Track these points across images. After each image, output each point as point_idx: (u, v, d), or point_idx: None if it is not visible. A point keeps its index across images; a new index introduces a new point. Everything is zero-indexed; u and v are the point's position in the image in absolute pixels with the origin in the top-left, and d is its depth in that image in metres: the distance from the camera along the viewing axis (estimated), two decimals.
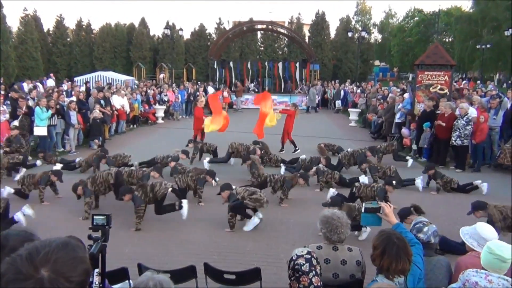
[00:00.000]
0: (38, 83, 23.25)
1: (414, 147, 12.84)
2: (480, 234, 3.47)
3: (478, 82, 27.51)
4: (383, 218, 3.33)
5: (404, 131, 13.76)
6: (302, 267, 2.69)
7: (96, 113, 13.60)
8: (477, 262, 3.07)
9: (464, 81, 26.39)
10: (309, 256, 2.75)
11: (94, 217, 2.37)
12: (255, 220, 7.05)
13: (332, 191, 8.06)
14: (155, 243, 6.55)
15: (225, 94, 23.22)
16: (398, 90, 19.26)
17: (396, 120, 14.71)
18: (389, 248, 2.73)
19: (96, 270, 2.13)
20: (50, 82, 25.18)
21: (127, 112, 17.00)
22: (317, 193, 9.08)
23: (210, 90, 23.43)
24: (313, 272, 2.69)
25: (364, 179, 8.93)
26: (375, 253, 2.78)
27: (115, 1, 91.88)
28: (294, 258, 2.76)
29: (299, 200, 8.75)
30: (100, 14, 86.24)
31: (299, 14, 39.78)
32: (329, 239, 3.43)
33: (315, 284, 2.66)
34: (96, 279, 2.13)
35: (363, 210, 3.40)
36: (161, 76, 31.30)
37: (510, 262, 2.91)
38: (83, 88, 19.90)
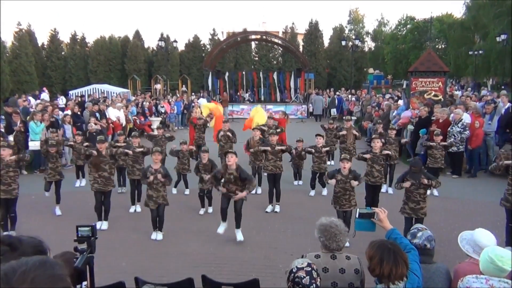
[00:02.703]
0: (30, 98, 23.11)
1: (411, 128, 12.94)
2: (476, 241, 3.43)
3: (469, 89, 27.67)
4: (377, 224, 3.30)
5: (407, 112, 13.71)
6: (303, 280, 2.66)
7: (92, 126, 13.56)
8: (476, 268, 3.04)
9: (457, 89, 26.57)
10: (310, 269, 2.73)
11: (79, 228, 2.32)
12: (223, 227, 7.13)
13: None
14: (152, 256, 6.49)
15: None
16: (388, 96, 19.38)
17: None
18: (386, 255, 2.72)
19: (84, 283, 2.09)
20: (44, 96, 25.11)
21: (123, 125, 16.96)
22: (313, 202, 9.06)
23: (202, 101, 23.34)
24: (314, 285, 2.67)
25: None
26: (373, 263, 2.75)
27: (109, 14, 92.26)
28: (294, 271, 2.73)
29: (296, 209, 8.72)
30: (94, 28, 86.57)
31: (293, 23, 40.01)
32: (327, 248, 3.40)
33: None
34: None
35: (357, 216, 3.36)
36: (157, 86, 31.30)
37: (510, 270, 2.88)
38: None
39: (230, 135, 10.89)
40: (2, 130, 12.18)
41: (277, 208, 8.65)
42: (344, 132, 10.88)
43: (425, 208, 6.64)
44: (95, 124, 13.77)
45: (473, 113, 11.61)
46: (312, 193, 9.91)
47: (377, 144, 8.09)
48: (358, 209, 3.39)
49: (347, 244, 6.66)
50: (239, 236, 7.02)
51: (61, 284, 1.30)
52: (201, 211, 8.63)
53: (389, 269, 2.68)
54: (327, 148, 10.00)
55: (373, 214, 3.29)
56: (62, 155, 12.22)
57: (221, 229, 7.09)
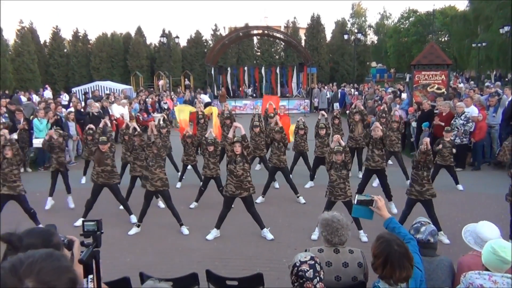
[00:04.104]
0: (33, 95, 23.19)
1: (414, 124, 12.93)
2: (478, 233, 3.43)
3: (472, 82, 27.56)
4: (375, 212, 3.27)
5: (398, 112, 13.88)
6: (306, 274, 2.67)
7: (96, 105, 13.65)
8: (479, 261, 3.03)
9: (460, 81, 26.45)
10: (313, 262, 2.74)
11: (85, 223, 2.36)
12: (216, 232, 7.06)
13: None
14: (156, 252, 6.53)
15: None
16: (390, 89, 19.28)
17: None
18: (391, 257, 2.63)
19: (90, 276, 2.13)
20: (48, 94, 25.19)
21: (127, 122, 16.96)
22: (317, 197, 9.06)
23: (204, 97, 23.29)
24: (317, 278, 2.68)
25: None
26: (377, 262, 2.70)
27: (111, 11, 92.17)
28: (297, 264, 2.73)
29: (299, 204, 8.74)
30: (96, 24, 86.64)
31: (295, 18, 39.95)
32: (330, 242, 3.41)
33: None
34: (91, 285, 2.13)
35: (355, 202, 3.33)
36: (160, 82, 31.27)
37: None
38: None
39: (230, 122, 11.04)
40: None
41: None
42: (357, 118, 10.89)
43: (431, 189, 6.75)
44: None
45: (476, 105, 11.57)
46: (308, 185, 9.97)
47: (378, 133, 8.13)
48: (356, 196, 3.37)
49: (365, 239, 6.67)
50: (268, 235, 6.93)
51: (67, 275, 1.33)
52: (192, 205, 8.60)
53: (392, 272, 2.62)
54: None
55: (371, 202, 3.26)
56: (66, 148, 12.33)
57: (211, 236, 6.97)
